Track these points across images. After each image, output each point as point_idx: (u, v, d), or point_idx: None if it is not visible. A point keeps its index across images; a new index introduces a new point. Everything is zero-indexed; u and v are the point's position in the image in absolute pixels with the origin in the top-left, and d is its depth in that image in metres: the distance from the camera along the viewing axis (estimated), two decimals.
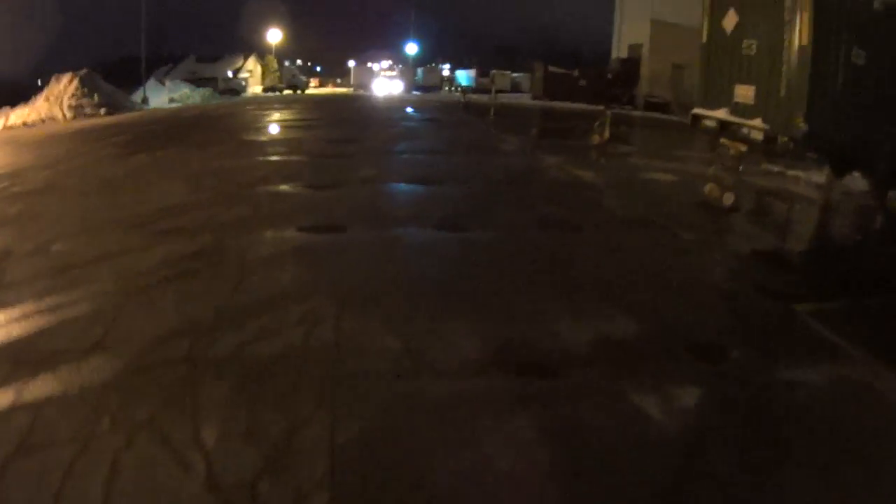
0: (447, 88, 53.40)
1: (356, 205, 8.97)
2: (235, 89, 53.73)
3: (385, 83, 55.12)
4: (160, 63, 65.99)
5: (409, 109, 26.19)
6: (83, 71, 28.13)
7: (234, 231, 7.37)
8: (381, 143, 14.87)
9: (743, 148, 10.02)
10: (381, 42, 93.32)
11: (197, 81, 50.39)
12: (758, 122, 9.64)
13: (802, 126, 8.66)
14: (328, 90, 68.65)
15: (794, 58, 8.71)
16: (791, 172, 12.60)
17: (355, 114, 23.96)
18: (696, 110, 11.53)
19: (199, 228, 7.49)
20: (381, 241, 7.23)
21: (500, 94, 37.83)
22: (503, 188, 10.57)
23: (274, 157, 12.72)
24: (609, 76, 40.73)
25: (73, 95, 26.65)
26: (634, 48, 40.87)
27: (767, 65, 9.39)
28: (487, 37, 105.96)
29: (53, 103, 26.27)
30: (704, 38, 11.34)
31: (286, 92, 55.61)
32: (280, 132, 17.92)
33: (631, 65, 40.60)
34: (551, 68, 38.46)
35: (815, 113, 8.63)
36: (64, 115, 25.60)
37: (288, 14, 78.88)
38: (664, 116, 36.06)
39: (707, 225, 9.16)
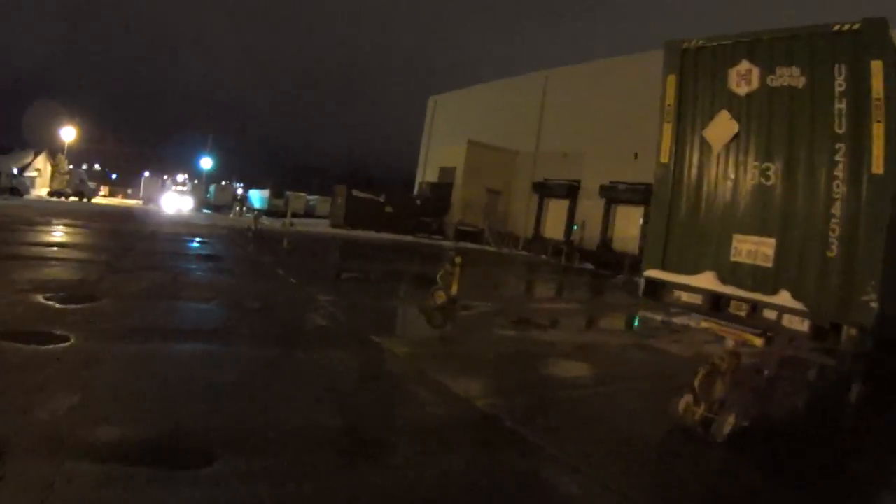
0: (238, 209, 49.06)
1: None
2: (18, 189, 45.55)
3: (175, 199, 51.10)
4: None
5: (186, 238, 19.45)
6: None
7: None
8: (118, 313, 8.30)
9: (757, 342, 5.93)
10: (179, 153, 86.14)
11: None
12: (785, 297, 5.56)
13: (873, 306, 5.01)
14: (116, 201, 61.64)
15: (861, 194, 5.15)
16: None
17: (115, 240, 16.69)
18: (654, 273, 6.68)
19: None
20: None
21: (295, 221, 32.71)
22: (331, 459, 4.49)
23: None
24: (418, 202, 37.10)
25: None
26: (447, 171, 37.76)
27: (801, 205, 5.67)
28: (286, 155, 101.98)
29: None
30: (664, 157, 6.66)
31: (72, 199, 48.48)
32: None
33: (442, 190, 37.38)
34: (355, 192, 33.90)
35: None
36: None
37: (88, 113, 70.14)
38: (478, 246, 32.97)
39: None
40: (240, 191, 69.60)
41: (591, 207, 31.60)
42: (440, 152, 40.50)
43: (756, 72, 6.07)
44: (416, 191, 43.76)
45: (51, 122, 63.22)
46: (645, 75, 30.80)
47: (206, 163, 73.35)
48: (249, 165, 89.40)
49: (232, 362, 5.94)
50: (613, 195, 30.49)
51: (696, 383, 5.99)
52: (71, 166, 63.12)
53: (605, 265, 28.86)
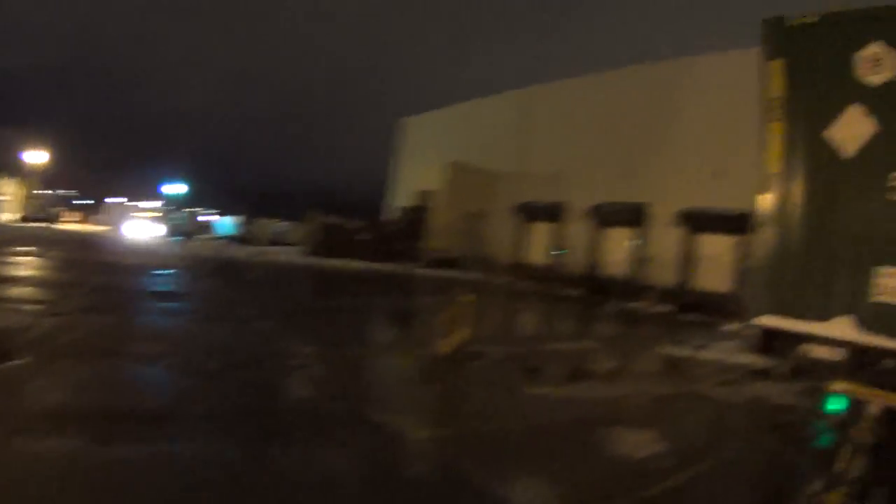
0: (205, 236, 47.11)
1: None
2: None
3: (142, 225, 49.48)
4: None
5: (144, 270, 17.40)
6: None
7: None
8: (34, 382, 6.15)
9: None
10: (149, 178, 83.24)
11: None
12: None
13: None
14: (83, 226, 58.38)
15: None
16: None
17: (66, 273, 14.55)
18: (771, 321, 5.00)
19: None
20: None
21: (265, 249, 30.76)
22: None
23: None
24: (393, 228, 35.36)
25: None
26: (423, 194, 36.12)
27: None
28: (256, 181, 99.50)
29: None
30: (773, 164, 5.05)
31: (38, 224, 46.23)
32: None
33: (417, 214, 35.70)
34: (328, 219, 32.04)
35: None
36: None
37: (58, 136, 67.77)
38: (456, 274, 31.28)
39: None
40: (209, 217, 67.46)
41: (577, 230, 30.14)
42: (415, 175, 38.87)
43: (892, 56, 4.55)
44: (388, 215, 42.03)
45: (18, 145, 60.64)
46: (634, 90, 30.08)
47: (174, 188, 71.31)
48: (220, 191, 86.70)
49: (176, 476, 4.06)
50: (601, 217, 29.10)
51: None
52: (41, 191, 60.97)
53: (595, 291, 27.40)
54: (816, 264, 4.84)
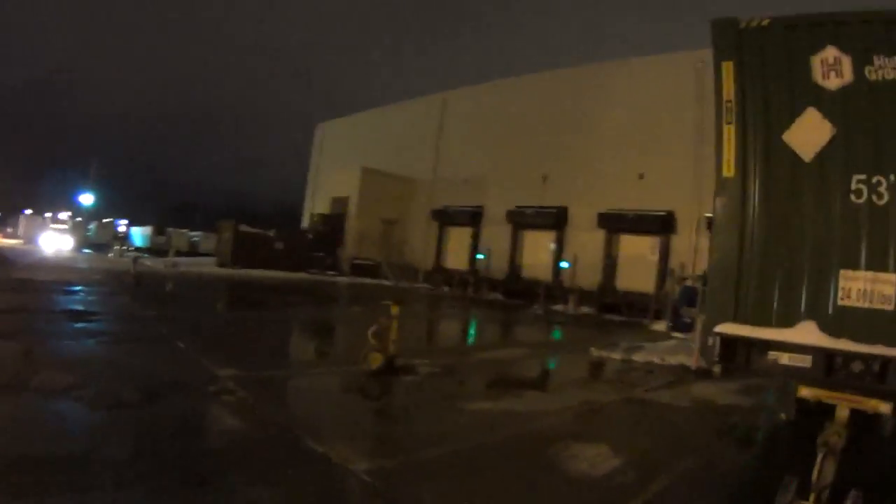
0: (119, 248, 44.89)
1: None
2: None
3: (55, 238, 46.49)
4: None
5: (56, 286, 16.04)
6: None
7: None
8: None
9: (883, 408, 4.38)
10: (61, 189, 78.47)
11: None
12: None
13: None
14: None
15: None
16: None
17: None
18: (731, 328, 4.90)
19: None
20: None
21: (178, 261, 29.39)
22: None
23: None
24: (310, 236, 34.50)
25: None
26: (339, 201, 35.40)
27: None
28: (168, 190, 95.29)
29: None
30: (729, 168, 4.96)
31: None
32: None
33: (334, 222, 35.01)
34: (242, 228, 30.89)
35: None
36: None
37: None
38: (375, 282, 30.87)
39: None
40: (122, 228, 64.54)
41: (496, 234, 30.18)
42: (331, 182, 38.04)
43: (847, 61, 4.51)
44: (306, 223, 41.07)
45: None
46: (549, 93, 30.33)
47: (87, 199, 67.83)
48: (131, 202, 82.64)
49: None
50: (521, 220, 29.24)
51: None
52: None
53: (516, 294, 27.53)
54: (778, 270, 4.73)
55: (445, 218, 33.47)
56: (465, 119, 33.73)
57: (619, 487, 4.93)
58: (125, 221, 66.00)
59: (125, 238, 56.66)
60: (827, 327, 4.44)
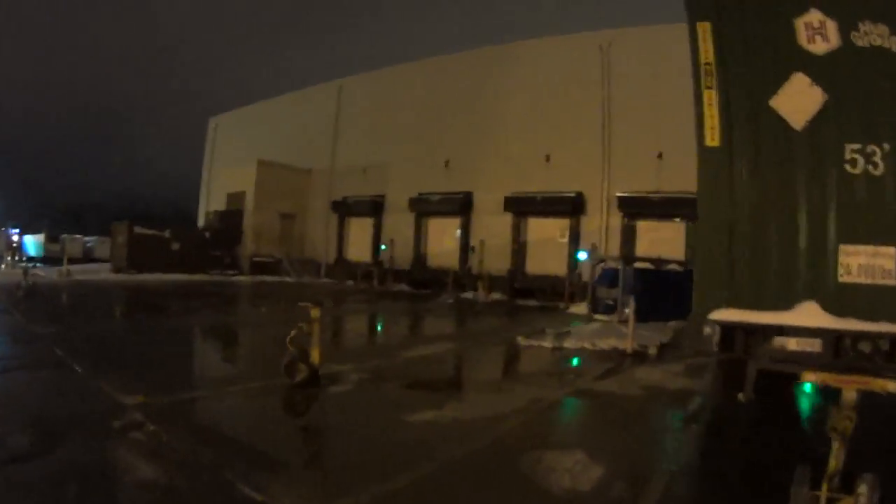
0: (11, 258, 41.08)
1: None
2: None
3: None
4: None
5: None
6: None
7: None
8: None
9: (892, 387, 3.90)
10: None
11: None
12: None
13: None
14: None
15: None
16: None
17: None
18: (728, 315, 4.46)
19: None
20: None
21: (73, 269, 27.14)
22: None
23: None
24: (207, 235, 32.70)
25: None
26: (235, 197, 33.70)
27: None
28: (59, 195, 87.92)
29: None
30: (712, 137, 4.51)
31: None
32: None
33: (231, 219, 33.34)
34: (137, 229, 28.88)
35: None
36: None
37: None
38: (277, 279, 29.63)
39: None
40: (15, 238, 59.50)
41: (400, 223, 29.51)
42: (226, 177, 36.17)
43: (833, 26, 4.16)
44: (202, 222, 38.99)
45: None
46: (451, 77, 29.76)
47: None
48: (19, 208, 75.96)
49: None
50: (424, 208, 28.65)
51: None
52: None
53: (424, 284, 27.03)
54: (772, 248, 4.36)
55: (346, 209, 32.47)
56: (363, 106, 32.71)
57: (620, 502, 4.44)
58: (16, 230, 61.15)
59: (19, 248, 52.45)
60: (829, 307, 4.10)
